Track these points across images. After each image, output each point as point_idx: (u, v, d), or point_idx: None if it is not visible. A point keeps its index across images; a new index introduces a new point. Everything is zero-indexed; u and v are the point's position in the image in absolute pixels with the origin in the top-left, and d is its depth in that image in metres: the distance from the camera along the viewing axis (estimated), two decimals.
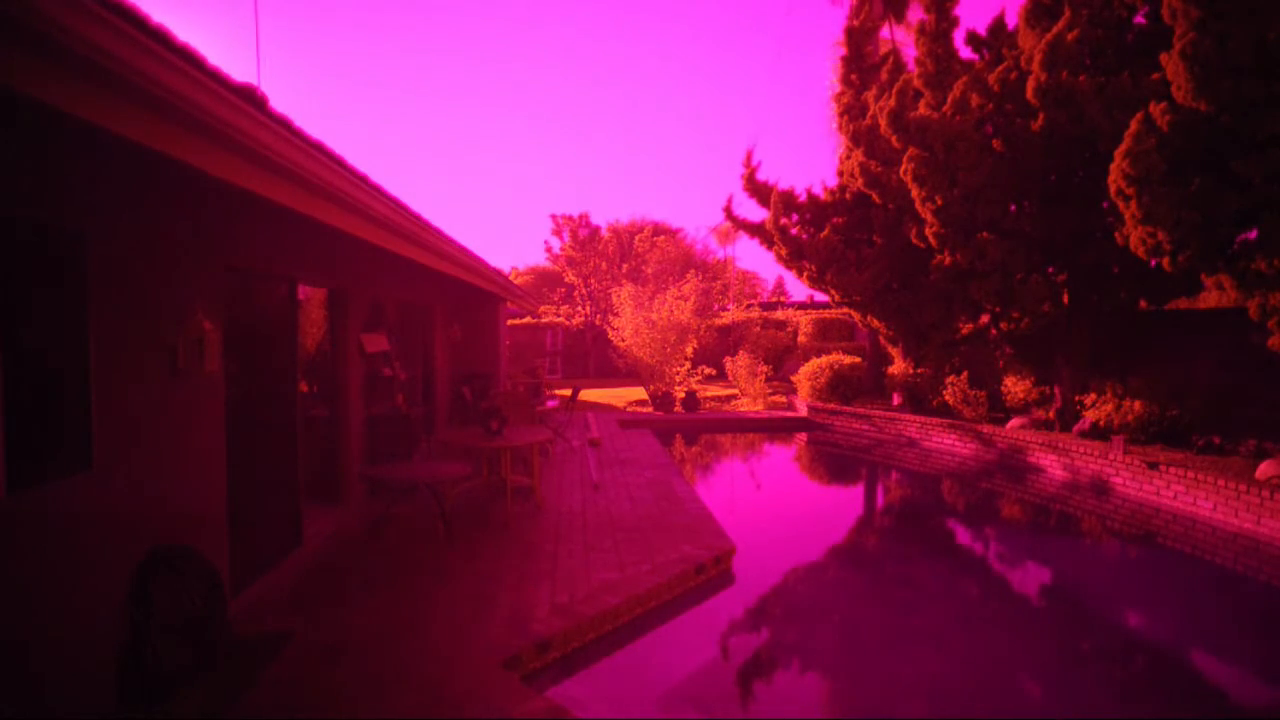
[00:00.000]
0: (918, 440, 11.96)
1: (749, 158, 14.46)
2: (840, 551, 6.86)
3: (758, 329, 24.04)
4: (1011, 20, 10.74)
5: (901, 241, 12.36)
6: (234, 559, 4.27)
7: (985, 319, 12.43)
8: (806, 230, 14.15)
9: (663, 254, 26.53)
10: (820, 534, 7.45)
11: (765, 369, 16.88)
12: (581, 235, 26.44)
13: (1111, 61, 8.65)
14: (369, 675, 3.57)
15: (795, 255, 13.77)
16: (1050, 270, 10.22)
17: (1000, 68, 9.72)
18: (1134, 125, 7.19)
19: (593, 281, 25.61)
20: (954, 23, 10.74)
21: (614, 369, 21.41)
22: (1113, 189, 7.49)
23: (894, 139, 10.53)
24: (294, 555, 5.23)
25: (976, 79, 9.75)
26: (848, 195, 13.77)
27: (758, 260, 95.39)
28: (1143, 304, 10.26)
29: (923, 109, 10.61)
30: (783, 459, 12.03)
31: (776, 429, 14.18)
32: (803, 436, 13.51)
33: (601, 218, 52.65)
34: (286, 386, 5.28)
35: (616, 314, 17.25)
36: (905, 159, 10.16)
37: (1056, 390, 10.36)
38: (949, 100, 9.86)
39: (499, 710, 3.26)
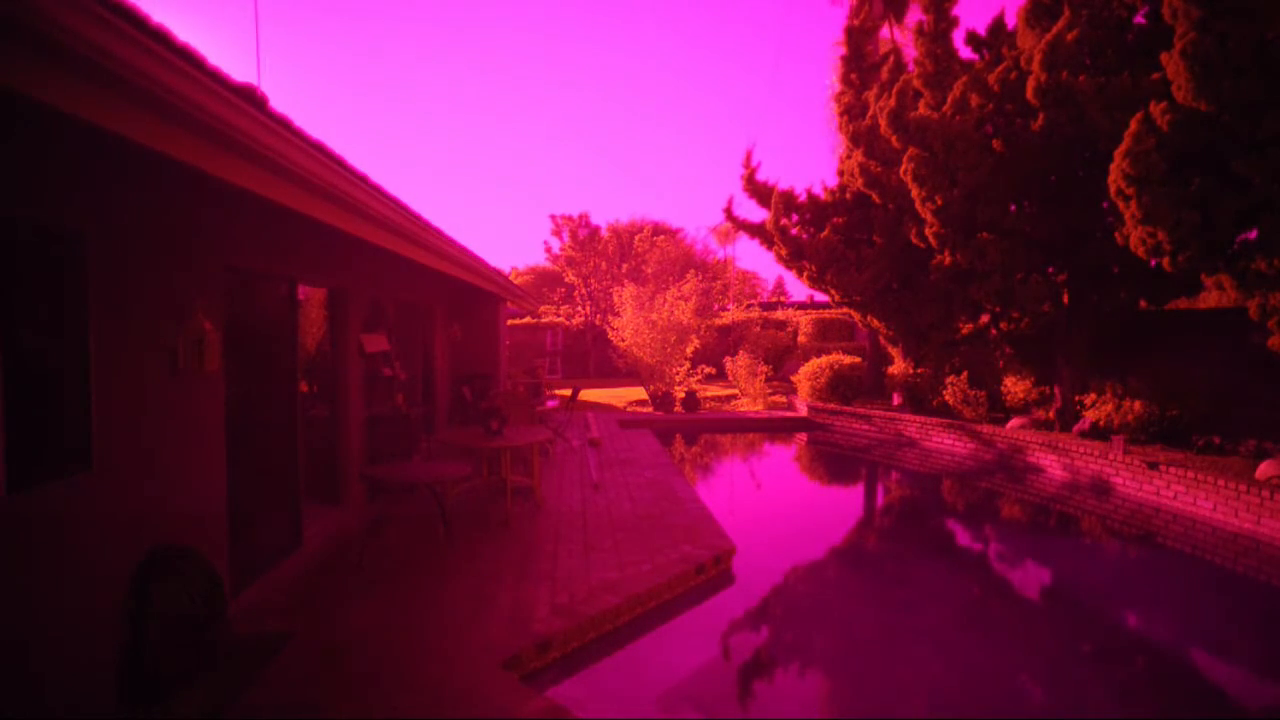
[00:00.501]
0: (918, 440, 11.96)
1: (749, 158, 14.46)
2: (840, 551, 6.86)
3: (758, 329, 24.04)
4: (1011, 20, 10.74)
5: (901, 241, 12.36)
6: (234, 559, 4.27)
7: (985, 319, 12.44)
8: (806, 230, 14.15)
9: (663, 254, 26.53)
10: (820, 534, 7.45)
11: (765, 369, 16.88)
12: (581, 235, 26.45)
13: (1111, 61, 8.64)
14: (369, 675, 3.57)
15: (795, 255, 13.77)
16: (1050, 270, 10.22)
17: (1000, 68, 9.71)
18: (1134, 125, 7.19)
19: (593, 281, 25.61)
20: (953, 23, 10.73)
21: (614, 369, 21.41)
22: (1113, 189, 7.49)
23: (894, 139, 10.53)
24: (294, 555, 5.23)
25: (976, 79, 9.75)
26: (848, 195, 13.77)
27: (758, 260, 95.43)
28: (1143, 304, 10.26)
29: (923, 109, 10.61)
30: (783, 459, 12.02)
31: (776, 429, 14.18)
32: (803, 436, 13.51)
33: (601, 218, 52.70)
34: (286, 386, 5.28)
35: (616, 314, 17.26)
36: (905, 159, 10.15)
37: (1056, 390, 10.36)
38: (949, 100, 9.86)
39: (499, 710, 3.26)
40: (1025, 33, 9.72)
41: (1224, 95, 6.63)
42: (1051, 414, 10.38)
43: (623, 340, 16.60)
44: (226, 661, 3.55)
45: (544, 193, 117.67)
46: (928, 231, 10.47)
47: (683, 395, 15.62)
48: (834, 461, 11.55)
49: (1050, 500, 8.47)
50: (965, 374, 11.79)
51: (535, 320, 25.74)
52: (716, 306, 27.15)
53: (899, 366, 13.70)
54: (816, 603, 5.50)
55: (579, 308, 25.89)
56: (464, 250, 6.94)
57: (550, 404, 12.21)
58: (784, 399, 17.00)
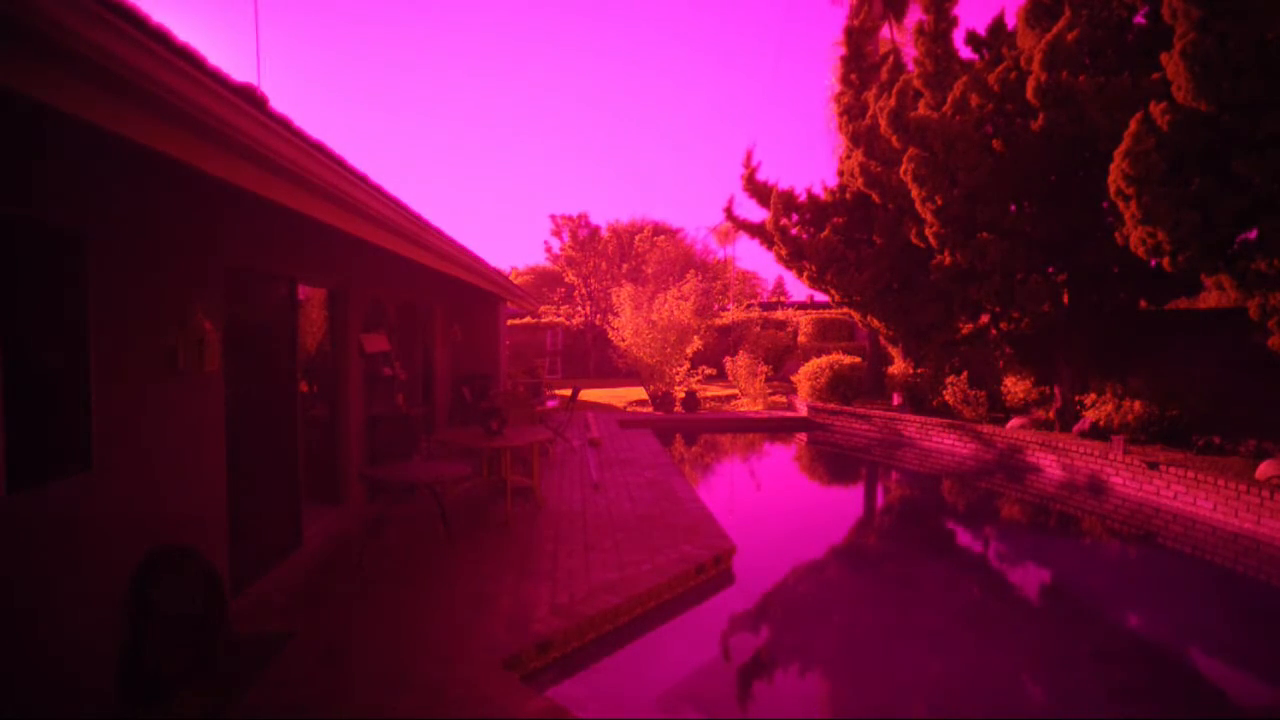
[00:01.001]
0: (917, 440, 11.96)
1: (749, 158, 14.46)
2: (840, 551, 6.86)
3: (758, 329, 24.04)
4: (1011, 20, 10.74)
5: (901, 241, 12.36)
6: (234, 559, 4.27)
7: (985, 319, 12.43)
8: (806, 230, 14.15)
9: (663, 254, 26.53)
10: (820, 534, 7.45)
11: (765, 369, 16.88)
12: (581, 235, 26.45)
13: (1111, 61, 8.64)
14: (369, 675, 3.57)
15: (795, 255, 13.77)
16: (1050, 270, 10.22)
17: (1000, 68, 9.71)
18: (1134, 125, 7.19)
19: (593, 281, 25.60)
20: (953, 23, 10.73)
21: (614, 369, 21.41)
22: (1113, 189, 7.49)
23: (894, 139, 10.53)
24: (294, 555, 5.23)
25: (976, 79, 9.75)
26: (848, 195, 13.77)
27: (758, 260, 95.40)
28: (1143, 304, 10.25)
29: (923, 109, 10.61)
30: (783, 459, 12.03)
31: (776, 429, 14.18)
32: (803, 436, 13.51)
33: (601, 218, 52.70)
34: (286, 386, 5.28)
35: (616, 314, 17.25)
36: (905, 159, 10.15)
37: (1056, 390, 10.36)
38: (949, 100, 9.86)
39: (499, 710, 3.26)
40: (1025, 33, 9.72)
41: (1224, 95, 6.63)
42: (1051, 414, 10.37)
43: (623, 340, 16.60)
44: (226, 661, 3.55)
45: (544, 193, 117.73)
46: (928, 231, 10.47)
47: (683, 395, 15.62)
48: (834, 461, 11.55)
49: (1050, 500, 8.47)
50: (965, 374, 11.80)
51: (535, 320, 25.74)
52: (716, 306, 27.14)
53: (899, 366, 13.70)
54: (816, 602, 5.50)
55: (579, 308, 25.89)
56: (464, 250, 6.94)
57: (550, 404, 12.21)
58: (784, 399, 17.00)
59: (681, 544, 5.72)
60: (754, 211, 52.91)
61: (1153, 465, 7.92)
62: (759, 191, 14.41)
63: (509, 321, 21.94)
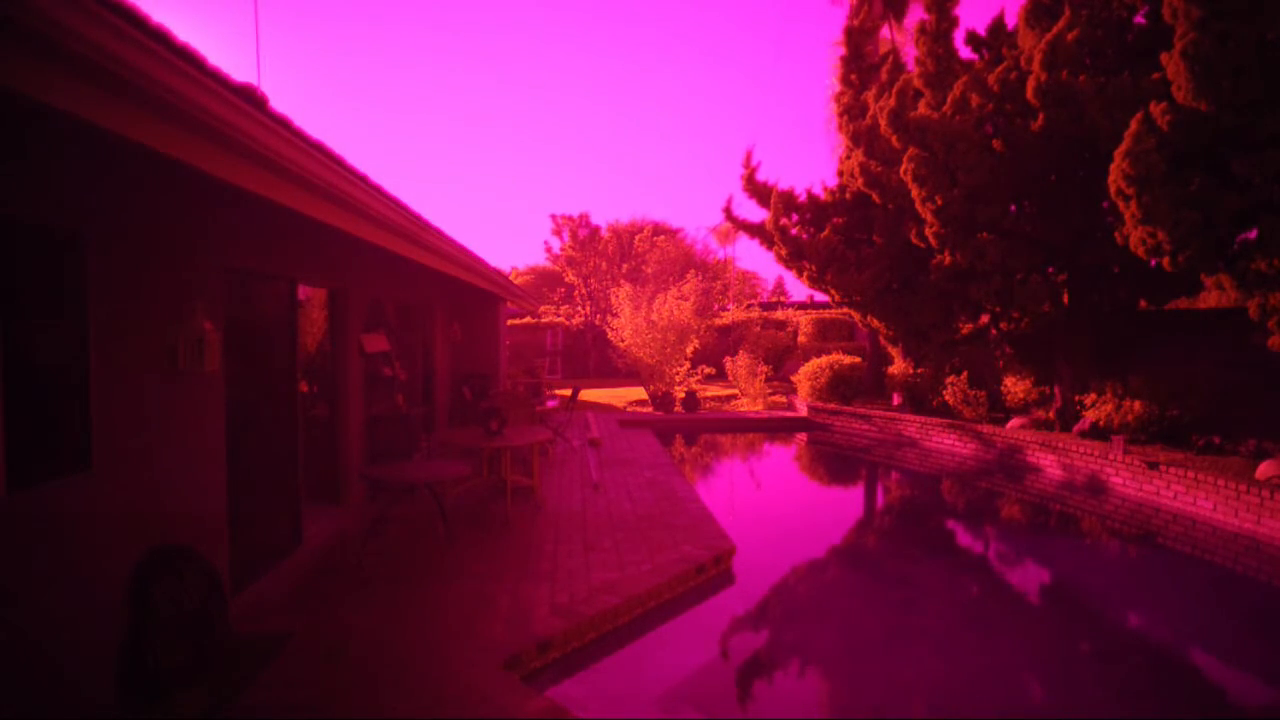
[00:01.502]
0: (918, 440, 11.96)
1: (748, 158, 14.45)
2: (840, 551, 6.86)
3: (758, 329, 24.04)
4: (1011, 20, 10.75)
5: (901, 241, 12.35)
6: (234, 559, 4.27)
7: (985, 319, 12.43)
8: (806, 230, 14.15)
9: (663, 254, 26.52)
10: (820, 534, 7.45)
11: (765, 369, 16.88)
12: (581, 235, 26.44)
13: (1111, 61, 8.64)
14: (369, 675, 3.57)
15: (795, 255, 13.77)
16: (1050, 270, 10.22)
17: (1000, 68, 9.71)
18: (1134, 125, 7.19)
19: (593, 281, 25.60)
20: (954, 23, 10.73)
21: (614, 369, 21.41)
22: (1113, 189, 7.49)
23: (894, 139, 10.53)
24: (294, 555, 5.23)
25: (976, 79, 9.75)
26: (848, 195, 13.77)
27: (758, 260, 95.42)
28: (1143, 304, 10.26)
29: (923, 109, 10.61)
30: (783, 459, 12.02)
31: (776, 429, 14.18)
32: (803, 436, 13.51)
33: (601, 218, 52.72)
34: (286, 386, 5.28)
35: (616, 314, 17.25)
36: (905, 159, 10.15)
37: (1056, 390, 10.36)
38: (949, 100, 9.86)
39: (499, 710, 3.26)
40: (1025, 33, 9.72)
41: (1224, 95, 6.63)
42: (1051, 414, 10.37)
43: (623, 340, 16.60)
44: (226, 661, 3.55)
45: (544, 193, 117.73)
46: (928, 231, 10.47)
47: (683, 395, 15.62)
48: (834, 461, 11.55)
49: (1050, 500, 8.47)
50: (965, 374, 11.80)
51: (535, 320, 25.73)
52: (716, 306, 27.15)
53: (899, 366, 13.69)
54: (816, 603, 5.50)
55: (579, 308, 25.88)
56: (464, 250, 6.94)
57: (550, 404, 12.21)
58: (784, 399, 17.00)
59: (681, 544, 5.71)
60: (754, 211, 52.90)
61: (1153, 465, 7.92)
62: (759, 191, 14.41)
63: (509, 321, 21.94)
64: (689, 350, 15.95)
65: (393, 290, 7.92)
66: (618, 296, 17.40)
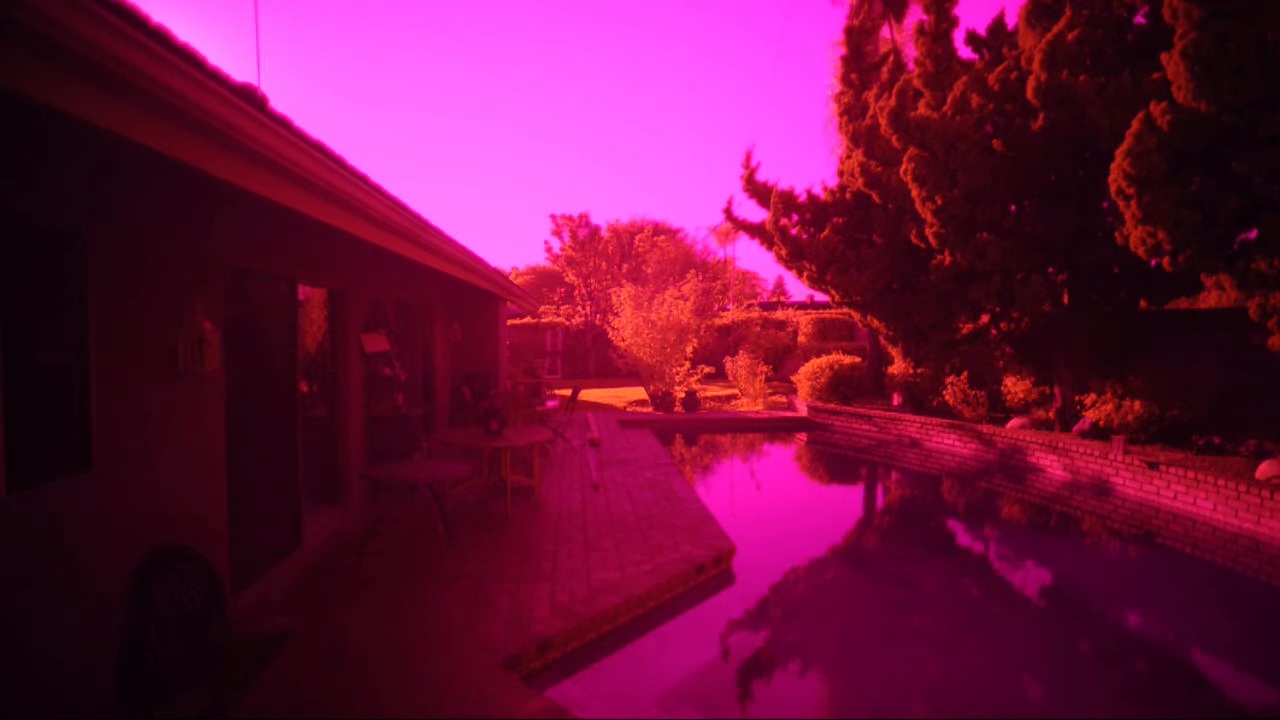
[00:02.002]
0: (918, 440, 11.96)
1: (748, 158, 14.46)
2: (840, 551, 6.86)
3: (758, 329, 24.04)
4: (1011, 20, 10.75)
5: (901, 241, 12.36)
6: (234, 559, 4.27)
7: (985, 319, 12.43)
8: (806, 230, 14.15)
9: (663, 254, 26.51)
10: (820, 534, 7.45)
11: (765, 369, 16.88)
12: (581, 235, 26.44)
13: (1111, 61, 8.64)
14: (369, 675, 3.57)
15: (795, 255, 13.77)
16: (1050, 270, 10.22)
17: (1000, 68, 9.71)
18: (1134, 125, 7.19)
19: (593, 281, 25.59)
20: (954, 23, 10.73)
21: (614, 369, 21.40)
22: (1113, 189, 7.49)
23: (894, 139, 10.53)
24: (294, 555, 5.23)
25: (976, 79, 9.75)
26: (848, 195, 13.77)
27: (758, 260, 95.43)
28: (1143, 304, 10.25)
29: (923, 109, 10.61)
30: (783, 459, 12.02)
31: (776, 429, 14.18)
32: (803, 436, 13.51)
33: (601, 218, 52.74)
34: (286, 386, 5.28)
35: (616, 314, 17.24)
36: (905, 159, 10.15)
37: (1056, 390, 10.36)
38: (949, 100, 9.86)
39: (499, 710, 3.26)
40: (1025, 33, 9.72)
41: (1224, 95, 6.62)
42: (1052, 414, 10.37)
43: (623, 340, 16.60)
44: (226, 661, 3.55)
45: (544, 193, 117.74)
46: (928, 231, 10.47)
47: (683, 395, 15.62)
48: (834, 461, 11.55)
49: (1050, 500, 8.47)
50: (965, 374, 11.79)
51: (535, 320, 25.73)
52: (716, 306, 27.14)
53: (899, 366, 13.69)
54: (816, 603, 5.50)
55: (579, 308, 25.88)
56: (464, 250, 6.94)
57: (550, 404, 12.22)
58: (784, 399, 17.00)
59: (681, 544, 5.71)
60: (754, 211, 52.92)
61: (1153, 465, 7.92)
62: (759, 191, 14.41)
63: (509, 321, 21.94)
64: (689, 350, 15.95)
65: (393, 290, 7.92)
66: (618, 296, 17.40)
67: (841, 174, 13.71)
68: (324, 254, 5.85)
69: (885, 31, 18.73)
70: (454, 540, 5.82)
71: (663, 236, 28.05)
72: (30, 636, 2.69)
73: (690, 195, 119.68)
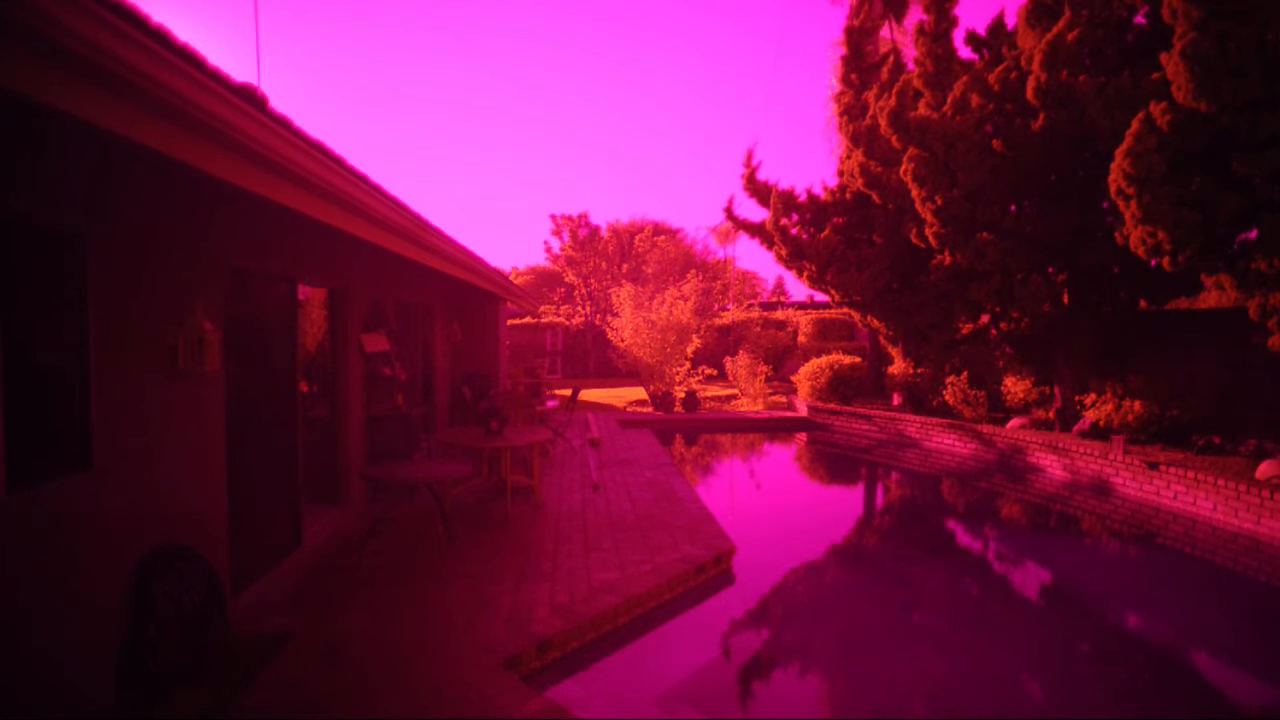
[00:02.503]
0: (918, 440, 11.96)
1: (749, 158, 14.46)
2: (840, 551, 6.86)
3: (758, 329, 24.04)
4: (1011, 20, 10.74)
5: (901, 241, 12.35)
6: (234, 559, 4.27)
7: (985, 319, 12.42)
8: (806, 230, 14.15)
9: (663, 254, 26.51)
10: (820, 534, 7.45)
11: (765, 369, 16.88)
12: (581, 235, 26.43)
13: (1111, 61, 8.64)
14: (369, 675, 3.57)
15: (795, 255, 13.77)
16: (1050, 270, 10.22)
17: (1000, 68, 9.71)
18: (1134, 125, 7.18)
19: (592, 281, 25.59)
20: (954, 23, 10.73)
21: (614, 369, 21.40)
22: (1113, 189, 7.49)
23: (894, 139, 10.53)
24: (294, 555, 5.23)
25: (976, 79, 9.75)
26: (848, 195, 13.77)
27: (758, 260, 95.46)
28: (1143, 304, 10.25)
29: (923, 109, 10.61)
30: (783, 459, 12.02)
31: (776, 429, 14.18)
32: (803, 436, 13.51)
33: (601, 218, 52.79)
34: (286, 386, 5.28)
35: (616, 314, 17.24)
36: (905, 159, 10.15)
37: (1056, 390, 10.36)
38: (949, 100, 9.86)
39: (499, 710, 3.26)
40: (1025, 33, 9.72)
41: (1224, 95, 6.62)
42: (1052, 414, 10.37)
43: (623, 340, 16.60)
44: (226, 661, 3.55)
45: (544, 193, 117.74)
46: (928, 231, 10.47)
47: (683, 395, 15.62)
48: (834, 461, 11.55)
49: (1050, 500, 8.47)
50: (965, 374, 11.79)
51: (535, 320, 25.73)
52: (716, 306, 27.15)
53: (899, 366, 13.69)
54: (816, 603, 5.50)
55: (579, 308, 25.88)
56: (464, 250, 6.94)
57: (550, 404, 12.21)
58: (784, 399, 17.00)
59: (681, 544, 5.71)
60: (754, 211, 52.92)
61: (1153, 465, 7.92)
62: (759, 191, 14.41)
63: (509, 321, 21.94)
64: (689, 350, 15.95)
65: (393, 290, 7.92)
66: (618, 296, 17.40)
67: (841, 174, 13.71)
68: (324, 254, 5.85)
69: (885, 32, 18.73)
70: (454, 540, 5.82)
71: (663, 236, 28.05)
72: (30, 636, 2.69)
73: (690, 195, 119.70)
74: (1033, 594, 5.96)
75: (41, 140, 2.75)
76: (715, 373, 20.75)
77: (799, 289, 57.64)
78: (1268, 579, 5.88)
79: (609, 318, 18.89)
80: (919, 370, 13.16)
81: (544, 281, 34.04)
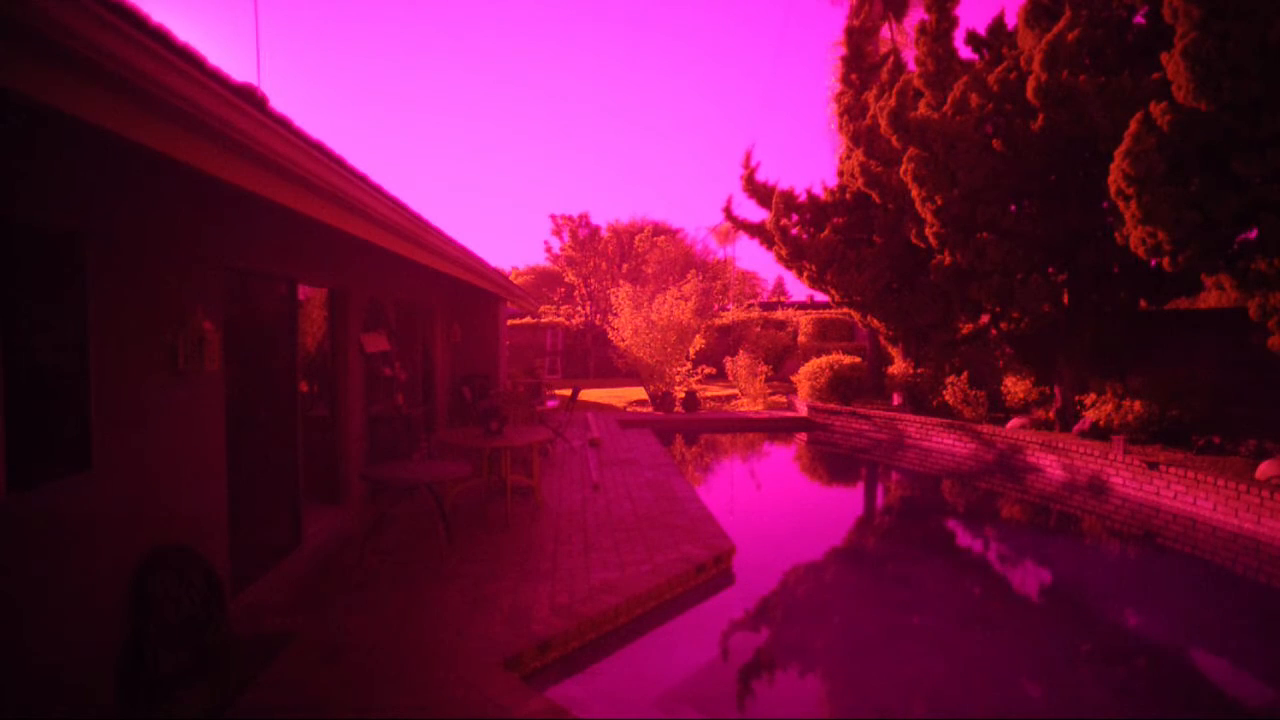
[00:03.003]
0: (918, 440, 11.95)
1: (748, 158, 14.46)
2: (840, 551, 6.86)
3: (758, 329, 24.04)
4: (1011, 20, 10.75)
5: (901, 241, 12.36)
6: (234, 559, 4.27)
7: (985, 319, 12.43)
8: (806, 230, 14.15)
9: (663, 254, 26.52)
10: (820, 534, 7.45)
11: (765, 369, 16.88)
12: (581, 235, 26.43)
13: (1111, 61, 8.64)
14: (369, 675, 3.57)
15: (795, 255, 13.77)
16: (1050, 270, 10.22)
17: (1000, 68, 9.71)
18: (1134, 125, 7.19)
19: (592, 281, 25.59)
20: (954, 23, 10.73)
21: (614, 369, 21.40)
22: (1113, 189, 7.49)
23: (894, 139, 10.53)
24: (294, 555, 5.23)
25: (976, 79, 9.75)
26: (848, 195, 13.77)
27: (758, 260, 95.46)
28: (1143, 304, 10.25)
29: (923, 109, 10.60)
30: (783, 459, 12.02)
31: (776, 429, 14.18)
32: (803, 436, 13.50)
33: (601, 218, 52.74)
34: (286, 386, 5.28)
35: (616, 314, 17.24)
36: (905, 159, 10.15)
37: (1056, 390, 10.36)
38: (949, 100, 9.86)
39: (499, 710, 3.26)
40: (1025, 33, 9.72)
41: (1224, 95, 6.63)
42: (1051, 414, 10.37)
43: (623, 340, 16.59)
44: (226, 661, 3.55)
45: (544, 193, 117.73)
46: (928, 231, 10.47)
47: (683, 395, 15.61)
48: (834, 461, 11.55)
49: (1050, 500, 8.47)
50: (965, 374, 11.79)
51: (535, 320, 25.72)
52: (716, 306, 27.15)
53: (899, 366, 13.69)
54: (816, 603, 5.50)
55: (579, 308, 25.87)
56: (464, 250, 6.94)
57: (550, 404, 12.22)
58: (784, 399, 17.00)
59: (681, 544, 5.71)
60: (754, 211, 52.90)
61: (1153, 465, 7.92)
62: (759, 191, 14.41)
63: (509, 321, 21.93)
64: (689, 350, 15.95)
65: (393, 290, 7.92)
66: (618, 296, 17.39)
67: (841, 174, 13.70)
68: (324, 254, 5.85)
69: (885, 32, 18.74)
70: (454, 540, 5.82)
71: (663, 236, 28.07)
72: (30, 637, 2.69)
73: (690, 195, 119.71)
74: (1033, 594, 5.96)
75: (42, 140, 2.75)
76: (715, 372, 20.75)
77: (799, 289, 57.70)
78: (1268, 579, 5.88)
79: (609, 318, 18.89)
80: (919, 370, 13.16)
81: (544, 281, 34.04)
